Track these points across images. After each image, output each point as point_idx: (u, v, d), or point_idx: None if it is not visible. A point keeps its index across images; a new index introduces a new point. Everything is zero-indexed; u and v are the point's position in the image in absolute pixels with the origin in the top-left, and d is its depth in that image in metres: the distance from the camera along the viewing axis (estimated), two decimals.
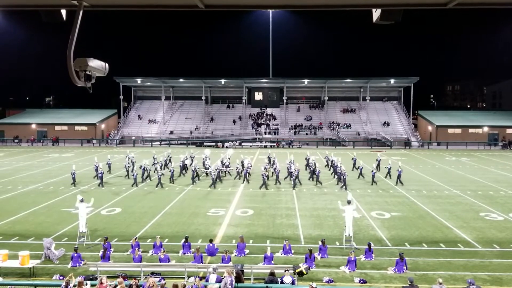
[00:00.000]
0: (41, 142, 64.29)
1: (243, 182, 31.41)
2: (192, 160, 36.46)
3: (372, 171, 31.87)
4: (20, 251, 14.67)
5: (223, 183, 31.17)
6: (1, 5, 6.89)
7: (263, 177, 29.46)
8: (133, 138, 65.56)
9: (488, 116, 72.49)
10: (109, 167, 35.57)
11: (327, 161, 38.79)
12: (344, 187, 28.84)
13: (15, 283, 12.83)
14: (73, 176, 29.78)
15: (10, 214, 21.98)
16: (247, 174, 32.12)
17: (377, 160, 36.84)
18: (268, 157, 37.86)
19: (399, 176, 30.48)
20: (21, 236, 18.40)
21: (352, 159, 38.47)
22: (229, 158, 35.99)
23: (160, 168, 31.71)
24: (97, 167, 31.52)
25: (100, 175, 30.06)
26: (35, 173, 35.80)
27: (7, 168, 38.67)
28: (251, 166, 34.40)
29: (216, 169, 31.66)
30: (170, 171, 32.37)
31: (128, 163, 34.12)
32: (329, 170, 36.56)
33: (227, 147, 58.82)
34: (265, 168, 31.77)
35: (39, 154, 50.31)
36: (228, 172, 35.03)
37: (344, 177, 29.31)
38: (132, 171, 31.67)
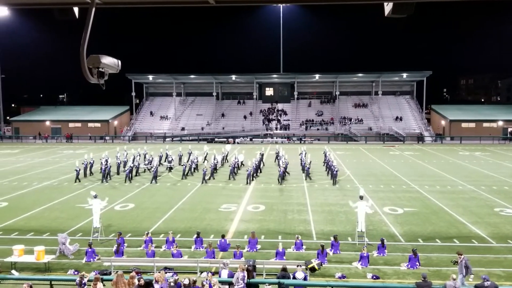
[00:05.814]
0: (55, 139, 65.08)
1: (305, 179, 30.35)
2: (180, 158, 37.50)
3: (303, 162, 31.49)
4: (36, 246, 14.94)
5: (236, 179, 30.94)
6: (15, 3, 6.97)
7: (204, 171, 29.60)
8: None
9: (502, 110, 71.28)
10: (180, 159, 37.43)
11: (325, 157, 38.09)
12: (334, 182, 28.79)
13: (31, 278, 13.06)
14: (133, 168, 31.23)
15: (26, 210, 22.35)
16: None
17: (324, 153, 35.89)
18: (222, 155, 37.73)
19: (334, 174, 29.25)
20: (36, 232, 18.71)
21: (300, 154, 37.81)
22: (224, 155, 35.53)
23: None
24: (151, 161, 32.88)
25: (154, 171, 30.11)
26: (50, 169, 36.31)
27: (22, 164, 39.29)
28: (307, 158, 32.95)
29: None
30: (210, 167, 31.78)
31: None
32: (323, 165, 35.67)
33: (238, 143, 58.91)
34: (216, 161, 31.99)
35: (53, 150, 50.98)
36: (170, 168, 34.72)
37: (335, 172, 29.00)
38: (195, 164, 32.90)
